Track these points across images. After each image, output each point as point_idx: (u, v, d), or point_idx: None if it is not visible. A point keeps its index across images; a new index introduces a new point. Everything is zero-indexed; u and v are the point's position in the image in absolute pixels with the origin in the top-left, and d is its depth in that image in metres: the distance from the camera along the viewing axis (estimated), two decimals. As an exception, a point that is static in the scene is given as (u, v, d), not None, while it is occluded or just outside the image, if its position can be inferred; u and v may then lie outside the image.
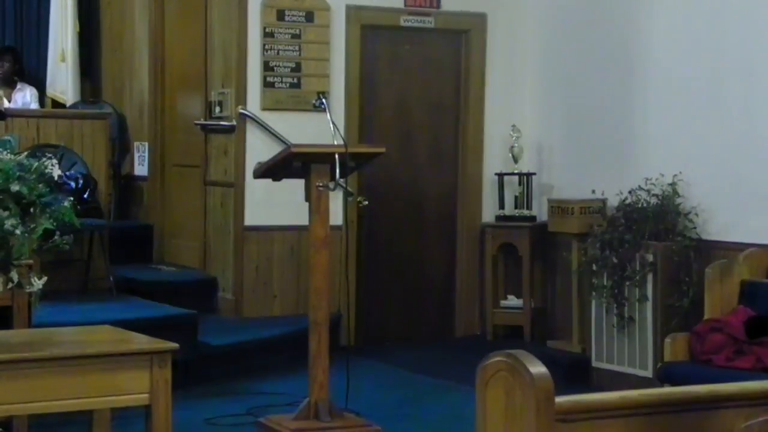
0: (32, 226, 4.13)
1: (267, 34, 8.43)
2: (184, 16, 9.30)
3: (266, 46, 8.42)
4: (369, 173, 8.37)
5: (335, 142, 6.25)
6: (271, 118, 8.37)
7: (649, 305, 7.34)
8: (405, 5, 8.82)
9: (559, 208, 8.18)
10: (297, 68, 8.50)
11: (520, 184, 8.83)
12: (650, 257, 7.32)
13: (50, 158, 4.26)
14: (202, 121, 8.83)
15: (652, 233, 7.43)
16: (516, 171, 8.85)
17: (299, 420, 6.14)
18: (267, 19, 8.43)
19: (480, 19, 9.05)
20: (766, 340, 6.22)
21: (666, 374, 6.38)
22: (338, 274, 8.17)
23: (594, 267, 7.63)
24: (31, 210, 4.13)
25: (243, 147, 8.40)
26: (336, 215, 7.64)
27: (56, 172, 4.23)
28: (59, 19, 10.09)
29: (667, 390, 3.62)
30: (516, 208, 8.86)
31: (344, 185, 6.70)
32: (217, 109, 8.63)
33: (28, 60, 10.27)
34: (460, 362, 7.81)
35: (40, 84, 10.06)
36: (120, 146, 10.01)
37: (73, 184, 7.96)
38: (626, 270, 7.41)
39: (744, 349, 6.24)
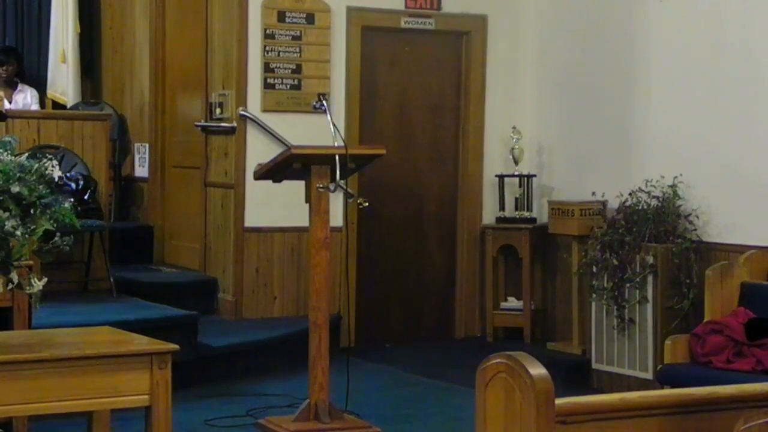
0: (32, 227, 4.13)
1: (267, 36, 8.43)
2: (185, 17, 9.31)
3: (267, 48, 8.42)
4: (369, 174, 8.37)
5: (335, 144, 6.25)
6: (272, 120, 8.38)
7: (649, 307, 7.34)
8: (405, 7, 8.82)
9: (559, 209, 8.18)
10: (297, 70, 8.50)
11: (520, 186, 8.83)
12: (650, 259, 7.32)
13: (50, 159, 4.26)
14: (203, 123, 8.83)
15: (652, 235, 7.44)
16: (516, 173, 8.85)
17: (299, 421, 6.14)
18: (267, 20, 8.43)
19: (480, 20, 9.05)
20: (766, 342, 6.22)
21: (666, 376, 6.38)
22: (338, 276, 8.19)
23: (594, 269, 7.63)
24: (32, 211, 4.13)
25: (243, 148, 8.40)
26: (336, 216, 7.65)
27: (56, 174, 4.23)
28: (60, 19, 10.09)
29: (667, 392, 3.62)
30: (516, 209, 8.86)
31: (344, 186, 6.70)
32: (218, 110, 8.64)
33: (28, 61, 10.27)
34: (460, 364, 7.82)
35: (40, 85, 10.06)
36: (120, 147, 10.01)
37: (73, 185, 7.96)
38: (626, 272, 7.41)
39: (744, 351, 6.24)
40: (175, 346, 4.41)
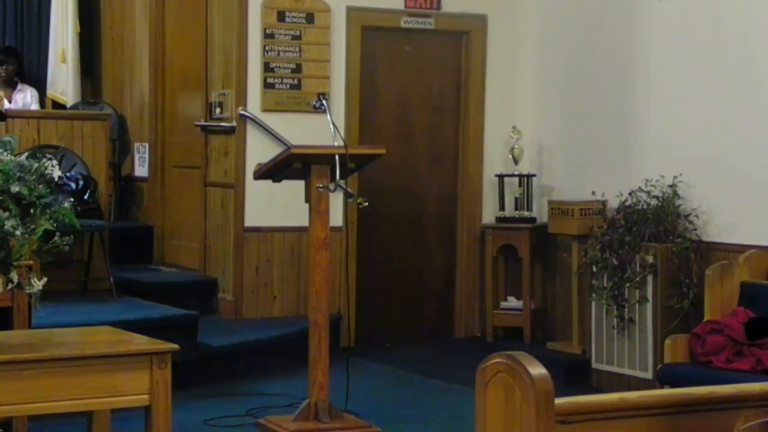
0: (32, 227, 4.13)
1: (267, 35, 8.43)
2: (185, 17, 9.31)
3: (266, 47, 8.42)
4: (369, 174, 8.37)
5: (335, 143, 6.25)
6: (271, 119, 8.38)
7: (649, 307, 7.34)
8: (405, 6, 8.82)
9: (559, 209, 8.18)
10: (297, 69, 8.50)
11: (520, 186, 8.83)
12: (650, 259, 7.32)
13: (50, 159, 4.26)
14: (203, 122, 8.83)
15: (652, 235, 7.44)
16: (516, 172, 8.85)
17: (299, 421, 6.14)
18: (267, 20, 8.43)
19: (480, 20, 9.05)
20: (766, 342, 6.22)
21: (666, 375, 6.38)
22: (338, 275, 8.18)
23: (594, 268, 7.63)
24: (31, 211, 4.13)
25: (243, 148, 8.40)
26: (336, 216, 7.65)
27: (56, 173, 4.23)
28: (59, 19, 10.09)
29: (667, 391, 3.62)
30: (516, 209, 8.86)
31: (344, 186, 6.70)
32: (218, 110, 8.64)
33: (28, 61, 10.27)
34: (459, 363, 7.82)
35: (40, 85, 10.06)
36: (120, 147, 10.01)
37: (73, 185, 7.96)
38: (626, 271, 7.41)
39: (744, 350, 6.24)
40: (175, 346, 4.42)
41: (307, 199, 6.25)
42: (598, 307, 7.67)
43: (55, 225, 4.19)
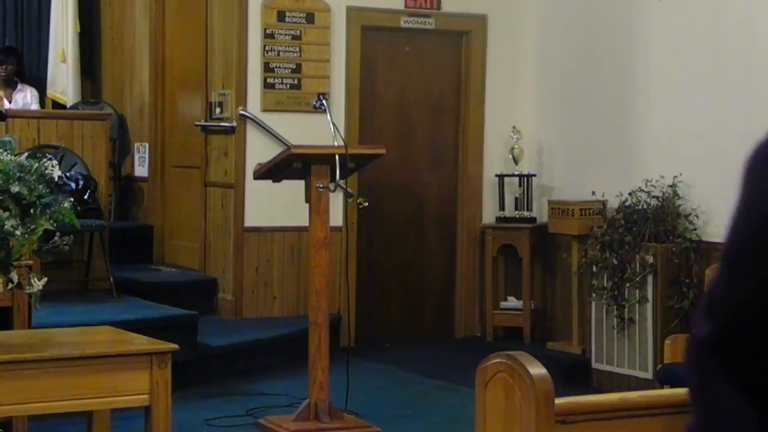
0: (32, 227, 4.13)
1: (267, 35, 8.43)
2: (185, 16, 9.31)
3: (266, 47, 8.42)
4: (369, 174, 8.36)
5: (335, 143, 6.25)
6: (271, 119, 8.38)
7: (649, 307, 7.34)
8: (405, 6, 8.82)
9: (559, 209, 8.18)
10: (297, 69, 8.50)
11: (520, 186, 8.83)
12: (650, 259, 7.32)
13: (50, 159, 4.26)
14: (203, 122, 8.83)
15: (652, 235, 7.44)
16: (516, 172, 8.85)
17: (299, 421, 6.14)
18: (267, 20, 8.43)
19: (480, 20, 9.05)
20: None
21: (666, 376, 6.37)
22: (338, 275, 8.18)
23: (594, 268, 7.63)
24: (31, 211, 4.13)
25: (243, 148, 8.40)
26: (336, 216, 7.64)
27: (56, 173, 4.23)
28: (60, 19, 10.09)
29: (667, 391, 3.62)
30: (516, 209, 8.86)
31: (344, 186, 6.71)
32: (218, 110, 8.64)
33: (28, 60, 10.26)
34: (459, 363, 7.81)
35: (40, 84, 10.05)
36: (120, 147, 10.01)
37: (73, 185, 7.96)
38: (626, 271, 7.42)
39: (744, 350, 6.24)
40: (175, 346, 4.42)
41: (307, 199, 6.25)
42: (598, 307, 7.67)
43: (55, 225, 4.19)
